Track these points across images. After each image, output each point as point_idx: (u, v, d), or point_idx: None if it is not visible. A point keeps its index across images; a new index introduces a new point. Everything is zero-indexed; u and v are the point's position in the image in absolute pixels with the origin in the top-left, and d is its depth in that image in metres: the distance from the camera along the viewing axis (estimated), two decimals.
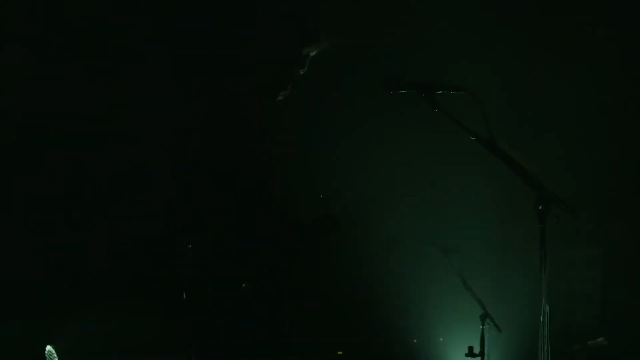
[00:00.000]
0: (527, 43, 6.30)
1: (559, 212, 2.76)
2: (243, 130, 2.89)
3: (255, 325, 2.76)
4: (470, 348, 5.22)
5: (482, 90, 2.97)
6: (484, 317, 5.28)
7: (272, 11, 3.03)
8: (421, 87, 2.91)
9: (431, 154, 6.30)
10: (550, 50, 6.29)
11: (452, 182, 6.43)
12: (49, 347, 4.67)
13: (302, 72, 3.07)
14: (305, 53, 3.05)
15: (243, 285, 2.72)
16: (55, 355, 4.71)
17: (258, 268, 2.79)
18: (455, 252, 5.62)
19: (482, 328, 5.28)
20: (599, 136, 6.37)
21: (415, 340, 6.34)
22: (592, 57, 6.13)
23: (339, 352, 6.23)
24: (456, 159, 6.18)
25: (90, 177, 5.37)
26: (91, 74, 5.29)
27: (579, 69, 6.16)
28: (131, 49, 5.32)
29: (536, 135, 6.21)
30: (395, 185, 6.25)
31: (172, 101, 3.06)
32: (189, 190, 2.80)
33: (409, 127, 6.00)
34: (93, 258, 5.28)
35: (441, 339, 6.36)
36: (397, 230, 6.33)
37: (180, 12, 5.42)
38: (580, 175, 6.20)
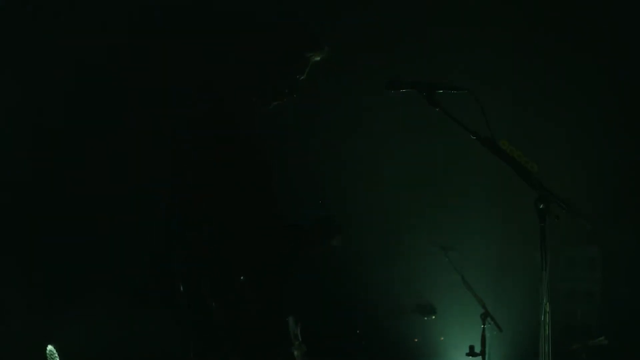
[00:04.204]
0: (528, 43, 6.31)
1: (559, 211, 2.76)
2: (241, 128, 2.89)
3: (254, 324, 2.76)
4: (471, 347, 5.22)
5: (482, 90, 2.98)
6: (484, 317, 5.29)
7: (274, 16, 3.03)
8: (422, 87, 2.92)
9: (431, 153, 6.31)
10: (551, 49, 6.29)
11: (453, 181, 6.43)
12: (50, 347, 4.68)
13: (301, 79, 3.07)
14: (305, 59, 3.05)
15: (242, 278, 2.72)
16: (56, 355, 4.71)
17: (257, 268, 2.80)
18: (455, 251, 5.63)
19: (483, 327, 5.28)
20: (599, 136, 6.38)
21: (416, 340, 6.34)
22: (593, 57, 6.14)
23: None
24: (456, 159, 6.19)
25: (90, 177, 5.38)
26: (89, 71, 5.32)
27: (579, 69, 6.17)
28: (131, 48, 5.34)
29: (536, 135, 6.21)
30: (396, 185, 6.26)
31: (170, 100, 3.07)
32: (187, 188, 2.81)
33: (409, 126, 6.01)
34: (93, 258, 5.29)
35: (442, 338, 6.37)
36: (398, 230, 6.34)
37: (176, 11, 5.43)
38: (580, 175, 6.21)
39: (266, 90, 3.04)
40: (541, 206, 2.75)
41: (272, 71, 3.02)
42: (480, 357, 5.23)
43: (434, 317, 5.89)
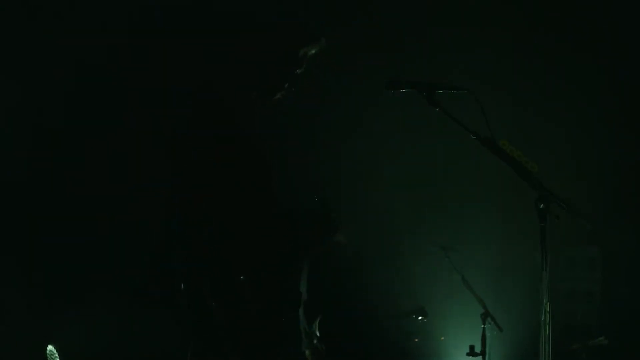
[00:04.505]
0: (527, 42, 6.31)
1: (559, 211, 2.77)
2: (241, 128, 2.89)
3: (254, 324, 2.76)
4: (472, 347, 5.22)
5: (482, 90, 2.98)
6: (485, 316, 5.29)
7: (271, 10, 3.04)
8: (422, 87, 2.92)
9: (431, 153, 6.31)
10: (551, 49, 6.29)
11: (453, 181, 6.43)
12: (50, 347, 4.68)
13: (299, 72, 3.07)
14: (303, 52, 3.05)
15: (241, 278, 2.72)
16: (56, 355, 4.71)
17: (257, 268, 2.80)
18: (455, 251, 5.63)
19: (483, 327, 5.28)
20: (599, 136, 6.38)
21: (416, 340, 6.34)
22: (593, 57, 6.14)
23: None
24: (456, 159, 6.19)
25: (90, 177, 5.37)
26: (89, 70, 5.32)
27: (579, 69, 6.17)
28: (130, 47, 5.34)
29: (536, 135, 6.21)
30: (396, 185, 6.26)
31: (170, 100, 3.07)
32: (187, 188, 2.81)
33: (409, 126, 6.01)
34: (93, 257, 5.29)
35: (442, 338, 6.36)
36: (398, 230, 6.34)
37: (176, 11, 5.43)
38: (580, 174, 6.21)
39: (266, 88, 3.05)
40: (541, 206, 2.76)
41: (272, 71, 3.02)
42: (481, 357, 5.23)
43: (425, 319, 5.89)
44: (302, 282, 3.02)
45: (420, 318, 5.85)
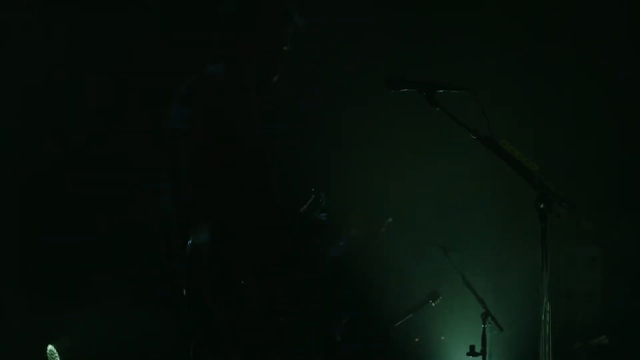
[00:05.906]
0: (527, 42, 6.31)
1: (560, 210, 2.76)
2: (241, 128, 2.89)
3: (254, 324, 2.76)
4: (472, 347, 5.22)
5: (482, 90, 2.98)
6: (485, 316, 5.29)
7: (271, 10, 3.05)
8: (422, 86, 2.92)
9: (432, 152, 6.30)
10: (551, 49, 6.30)
11: (453, 180, 6.43)
12: (50, 347, 4.68)
13: (286, 49, 3.09)
14: (285, 32, 3.07)
15: (242, 282, 2.72)
16: (56, 354, 4.72)
17: (257, 268, 2.80)
18: (456, 251, 5.63)
19: (484, 327, 5.28)
20: (600, 135, 6.39)
21: (417, 339, 6.34)
22: (593, 57, 6.14)
23: None
24: (457, 158, 6.18)
25: (90, 177, 5.38)
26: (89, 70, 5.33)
27: (580, 69, 6.17)
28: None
29: (537, 134, 6.21)
30: (396, 184, 6.25)
31: (170, 100, 3.07)
32: (187, 188, 2.80)
33: (409, 126, 6.01)
34: (93, 257, 5.29)
35: (443, 338, 6.36)
36: (399, 229, 6.33)
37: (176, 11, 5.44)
38: (580, 175, 6.21)
39: (265, 87, 3.07)
40: (541, 206, 2.75)
41: (271, 70, 3.04)
42: (481, 356, 5.22)
43: (440, 298, 5.83)
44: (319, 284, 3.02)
45: (434, 304, 5.80)
